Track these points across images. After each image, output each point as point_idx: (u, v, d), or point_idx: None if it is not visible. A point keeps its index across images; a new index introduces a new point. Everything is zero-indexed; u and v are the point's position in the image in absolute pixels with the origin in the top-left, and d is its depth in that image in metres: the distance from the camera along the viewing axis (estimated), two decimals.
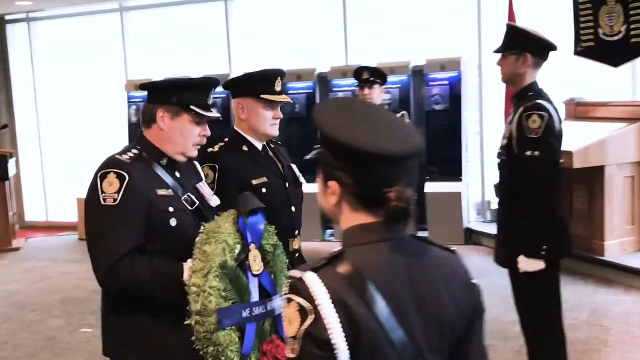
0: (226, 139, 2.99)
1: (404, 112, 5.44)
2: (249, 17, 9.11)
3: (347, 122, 1.46)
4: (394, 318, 1.40)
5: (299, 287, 1.40)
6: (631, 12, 5.79)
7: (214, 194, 2.66)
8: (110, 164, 2.33)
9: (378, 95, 5.28)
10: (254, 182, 2.88)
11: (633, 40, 5.82)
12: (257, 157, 2.98)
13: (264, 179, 2.91)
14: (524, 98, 3.34)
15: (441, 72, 7.66)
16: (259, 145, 2.99)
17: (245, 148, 2.95)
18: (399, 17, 8.23)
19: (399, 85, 7.84)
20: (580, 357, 4.47)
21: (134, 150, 2.41)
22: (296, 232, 3.06)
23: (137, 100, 9.15)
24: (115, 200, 2.26)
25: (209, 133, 2.48)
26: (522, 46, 3.32)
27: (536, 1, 7.39)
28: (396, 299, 1.42)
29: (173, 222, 2.35)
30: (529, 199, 3.30)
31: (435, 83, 7.71)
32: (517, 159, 3.33)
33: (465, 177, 7.79)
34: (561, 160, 5.87)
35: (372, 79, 5.21)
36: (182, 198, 2.43)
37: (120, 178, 2.28)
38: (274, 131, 2.95)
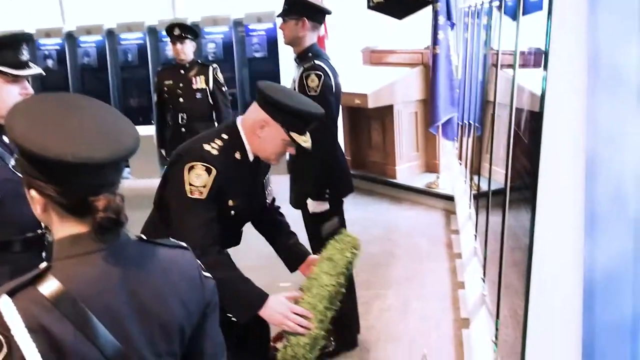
0: (225, 136, 2.14)
1: (215, 65, 4.95)
2: None
3: (41, 126, 1.07)
4: (109, 333, 1.09)
5: None
6: None
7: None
8: None
9: (190, 49, 4.79)
10: (230, 202, 2.16)
11: None
12: (244, 171, 2.18)
13: (237, 202, 2.17)
14: (304, 59, 3.10)
15: (258, 23, 7.26)
16: (251, 157, 2.19)
17: (237, 156, 2.15)
18: None
19: (222, 35, 7.36)
20: (373, 270, 4.45)
21: None
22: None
23: None
24: None
25: (31, 91, 1.96)
26: (300, 12, 3.07)
27: None
28: (112, 313, 1.10)
29: None
30: (313, 151, 3.11)
31: (254, 33, 7.31)
32: None
33: None
34: (357, 102, 5.88)
35: (183, 34, 4.70)
36: (11, 165, 1.95)
37: None
38: (276, 162, 2.22)
